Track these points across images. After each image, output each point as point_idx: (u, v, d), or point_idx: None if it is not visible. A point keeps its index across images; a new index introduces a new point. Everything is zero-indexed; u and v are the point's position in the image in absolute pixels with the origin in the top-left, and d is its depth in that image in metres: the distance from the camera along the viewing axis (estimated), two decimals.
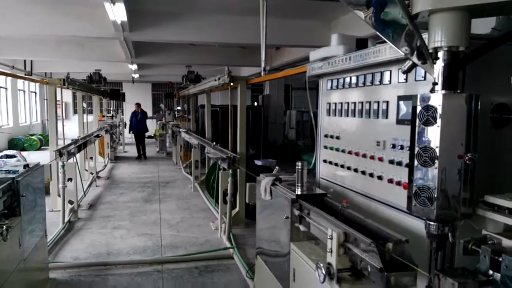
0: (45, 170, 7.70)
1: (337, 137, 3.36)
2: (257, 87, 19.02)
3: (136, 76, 18.14)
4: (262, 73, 5.80)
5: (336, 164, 3.38)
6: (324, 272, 2.14)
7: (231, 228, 6.01)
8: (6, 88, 15.91)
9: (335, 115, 3.41)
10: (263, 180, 3.41)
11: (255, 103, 18.17)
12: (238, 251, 5.35)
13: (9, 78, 15.30)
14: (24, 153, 10.89)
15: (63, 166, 6.45)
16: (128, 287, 4.53)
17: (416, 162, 1.80)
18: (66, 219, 6.53)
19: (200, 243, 5.87)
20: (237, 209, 6.54)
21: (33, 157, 8.41)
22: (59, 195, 6.68)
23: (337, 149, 3.35)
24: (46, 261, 4.63)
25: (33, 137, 15.52)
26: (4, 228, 3.05)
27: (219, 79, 6.93)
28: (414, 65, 1.99)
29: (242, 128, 6.61)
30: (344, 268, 2.16)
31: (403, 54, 1.94)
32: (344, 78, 3.25)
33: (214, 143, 7.36)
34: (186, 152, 11.70)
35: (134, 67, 13.95)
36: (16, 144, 14.19)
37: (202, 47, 12.44)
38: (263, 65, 5.79)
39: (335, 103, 3.40)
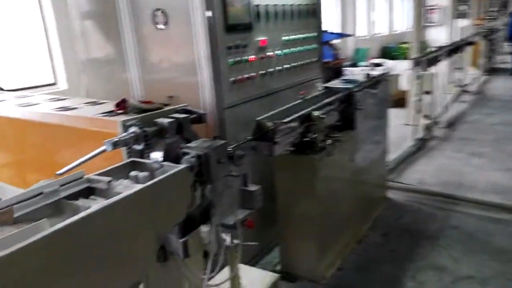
0: (396, 81, 7.39)
1: None
2: None
3: None
4: None
5: None
6: None
7: None
8: None
9: None
10: None
11: None
12: None
13: None
14: (391, 62, 10.91)
15: (419, 77, 5.76)
16: (474, 233, 3.61)
17: None
18: (419, 136, 5.99)
19: None
20: None
21: (400, 66, 8.13)
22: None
23: None
24: (383, 178, 4.32)
25: (404, 45, 15.34)
26: (329, 143, 2.84)
27: None
28: None
29: None
30: None
31: None
32: None
33: None
34: None
35: None
36: (386, 52, 14.45)
37: None
38: None
39: None
